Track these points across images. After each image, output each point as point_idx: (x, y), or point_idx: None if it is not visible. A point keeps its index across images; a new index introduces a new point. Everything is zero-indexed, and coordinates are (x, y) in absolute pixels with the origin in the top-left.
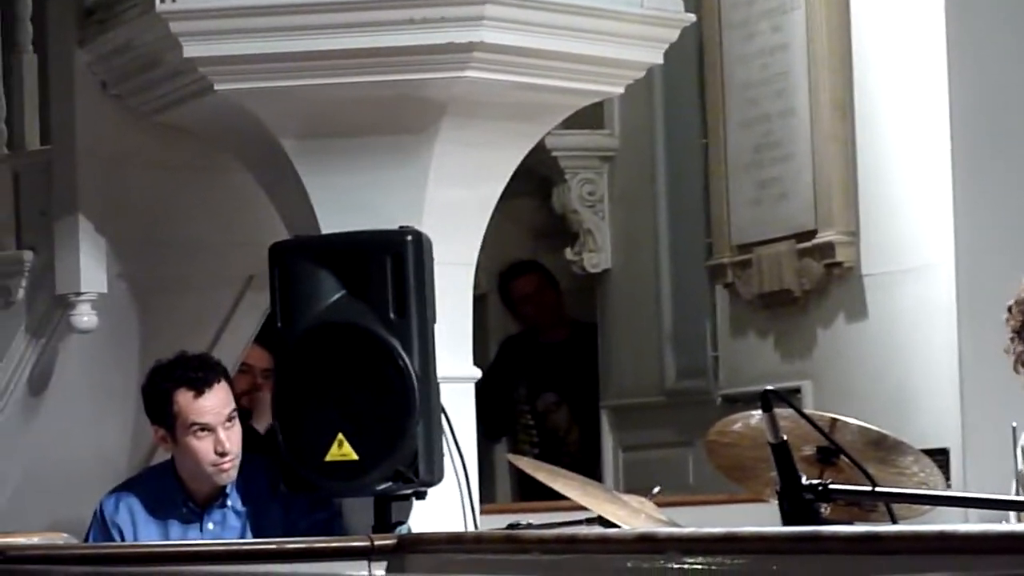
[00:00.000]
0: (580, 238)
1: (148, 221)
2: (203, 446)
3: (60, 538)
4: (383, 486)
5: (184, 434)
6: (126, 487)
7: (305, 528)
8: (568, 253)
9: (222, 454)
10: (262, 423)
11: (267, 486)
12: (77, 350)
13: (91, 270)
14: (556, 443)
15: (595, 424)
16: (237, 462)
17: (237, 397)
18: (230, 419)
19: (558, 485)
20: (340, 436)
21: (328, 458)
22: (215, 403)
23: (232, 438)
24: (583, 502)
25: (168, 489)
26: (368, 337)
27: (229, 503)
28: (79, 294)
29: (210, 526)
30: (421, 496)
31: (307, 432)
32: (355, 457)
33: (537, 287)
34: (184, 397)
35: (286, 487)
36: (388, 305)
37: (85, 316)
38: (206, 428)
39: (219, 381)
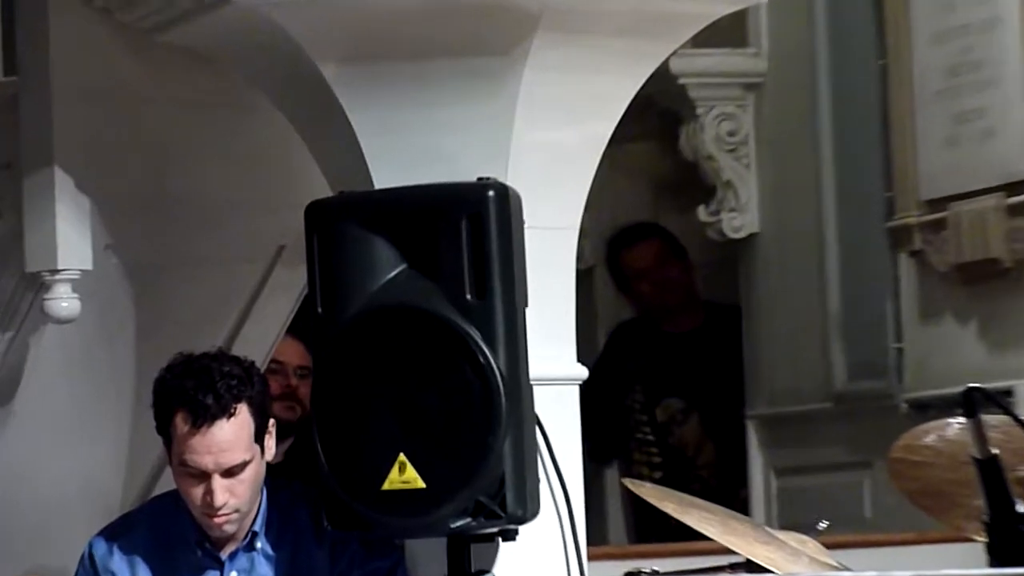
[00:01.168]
0: (717, 193)
1: (147, 177)
2: (191, 490)
3: None
4: (459, 523)
5: (175, 466)
6: (123, 524)
7: None
8: (701, 213)
9: (212, 506)
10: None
11: (311, 524)
12: (54, 346)
13: (71, 241)
14: (683, 464)
15: (736, 439)
16: (240, 516)
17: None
18: (240, 467)
19: (691, 520)
20: (401, 457)
21: (386, 486)
22: (215, 444)
23: (236, 490)
24: (724, 542)
25: (178, 526)
26: (437, 326)
27: (259, 545)
28: (55, 272)
29: None
30: (510, 537)
31: (358, 452)
32: (422, 485)
33: (658, 258)
34: (181, 424)
35: (331, 525)
36: (464, 283)
37: (64, 301)
38: (196, 472)
39: (230, 415)
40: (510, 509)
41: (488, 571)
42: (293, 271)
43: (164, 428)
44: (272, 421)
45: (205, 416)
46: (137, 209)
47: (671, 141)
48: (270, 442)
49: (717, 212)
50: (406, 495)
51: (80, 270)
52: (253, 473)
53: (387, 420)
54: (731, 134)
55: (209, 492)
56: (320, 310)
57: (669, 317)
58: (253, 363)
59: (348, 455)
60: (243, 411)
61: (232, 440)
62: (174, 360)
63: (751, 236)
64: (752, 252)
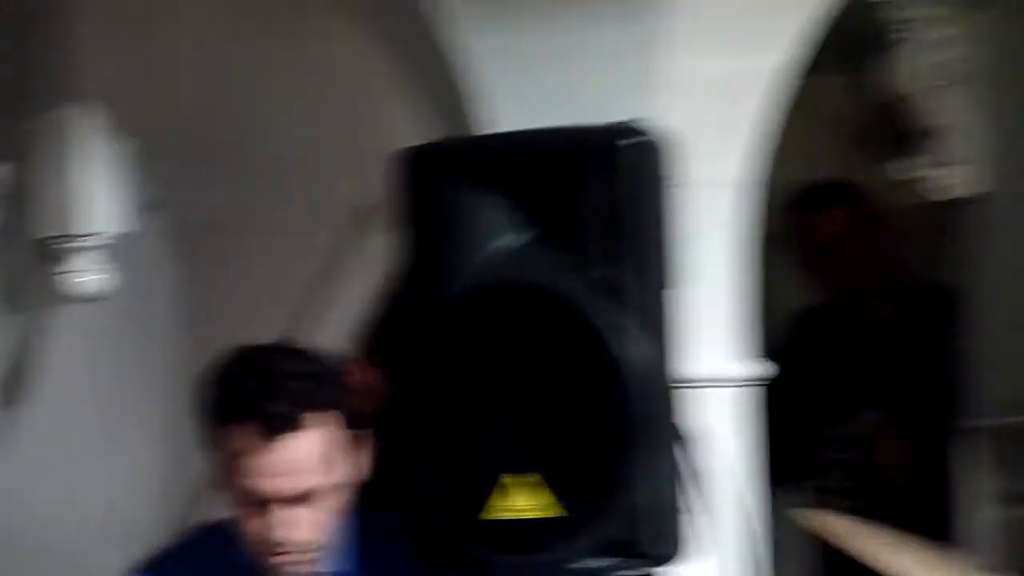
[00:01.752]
0: (925, 143)
1: (196, 121)
2: (250, 522)
3: None
4: (585, 564)
5: (230, 490)
6: (164, 561)
7: None
8: (904, 168)
9: (276, 543)
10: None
11: (407, 561)
12: (75, 331)
13: (98, 199)
14: (885, 488)
15: (951, 457)
16: (312, 556)
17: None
18: (313, 494)
19: (898, 563)
20: (513, 477)
21: (488, 514)
22: (281, 466)
23: (307, 522)
24: None
25: (232, 565)
26: (562, 309)
27: None
28: (78, 238)
29: None
30: None
31: (457, 469)
32: (540, 513)
33: (852, 227)
34: (238, 438)
35: (419, 560)
36: (597, 255)
37: (87, 275)
38: (257, 500)
39: (302, 428)
40: (650, 549)
41: None
42: (376, 238)
43: (215, 441)
44: (363, 433)
45: (269, 429)
46: (183, 161)
47: (865, 77)
48: (359, 459)
49: (926, 167)
50: (518, 526)
51: (109, 236)
52: (332, 501)
53: (496, 430)
54: (944, 66)
55: (272, 525)
56: (412, 288)
57: (866, 301)
58: (338, 358)
59: (445, 472)
60: (320, 422)
61: (304, 460)
62: (230, 354)
63: (971, 197)
64: (971, 218)
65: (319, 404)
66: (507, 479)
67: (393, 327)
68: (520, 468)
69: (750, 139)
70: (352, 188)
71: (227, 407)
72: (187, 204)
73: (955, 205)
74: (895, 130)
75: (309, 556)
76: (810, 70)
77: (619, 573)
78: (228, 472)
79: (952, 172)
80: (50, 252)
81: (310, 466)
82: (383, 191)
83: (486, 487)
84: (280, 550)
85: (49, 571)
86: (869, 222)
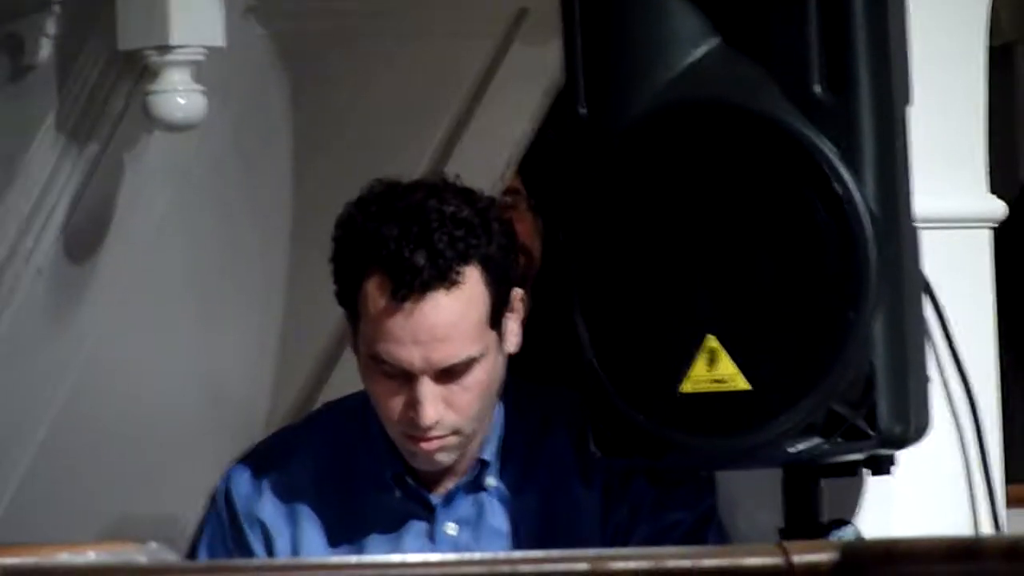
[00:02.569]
0: None
1: None
2: (387, 400)
3: (131, 551)
4: (804, 445)
5: (364, 358)
6: (276, 448)
7: (646, 540)
8: None
9: (419, 425)
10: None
11: (573, 452)
12: (162, 166)
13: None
14: None
15: None
16: (461, 441)
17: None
18: (464, 366)
19: None
20: (712, 340)
21: (687, 388)
22: (427, 329)
23: (457, 401)
24: None
25: (365, 451)
26: (770, 134)
27: (491, 482)
28: (166, 50)
29: (450, 530)
30: (883, 468)
31: (643, 334)
32: (745, 385)
33: None
34: (376, 293)
35: (599, 450)
36: (811, 68)
37: (180, 96)
38: (396, 372)
39: (453, 284)
40: (883, 425)
41: (849, 523)
42: (541, 49)
43: (349, 297)
44: (520, 293)
45: (413, 284)
46: None
47: None
48: (514, 325)
49: None
50: (719, 401)
51: (205, 47)
52: (485, 375)
53: (689, 282)
54: None
55: (415, 403)
56: (584, 110)
57: None
58: (493, 200)
59: (628, 338)
60: (474, 278)
61: (454, 323)
62: (370, 189)
63: None
64: None
65: (473, 257)
66: (711, 343)
67: (561, 158)
68: (725, 330)
69: None
70: None
71: (362, 256)
72: (302, 6)
73: None
74: None
75: (456, 443)
76: None
77: (846, 457)
78: (363, 335)
79: None
80: (136, 67)
81: (461, 332)
82: None
83: (683, 355)
84: (420, 434)
85: (133, 458)
86: None
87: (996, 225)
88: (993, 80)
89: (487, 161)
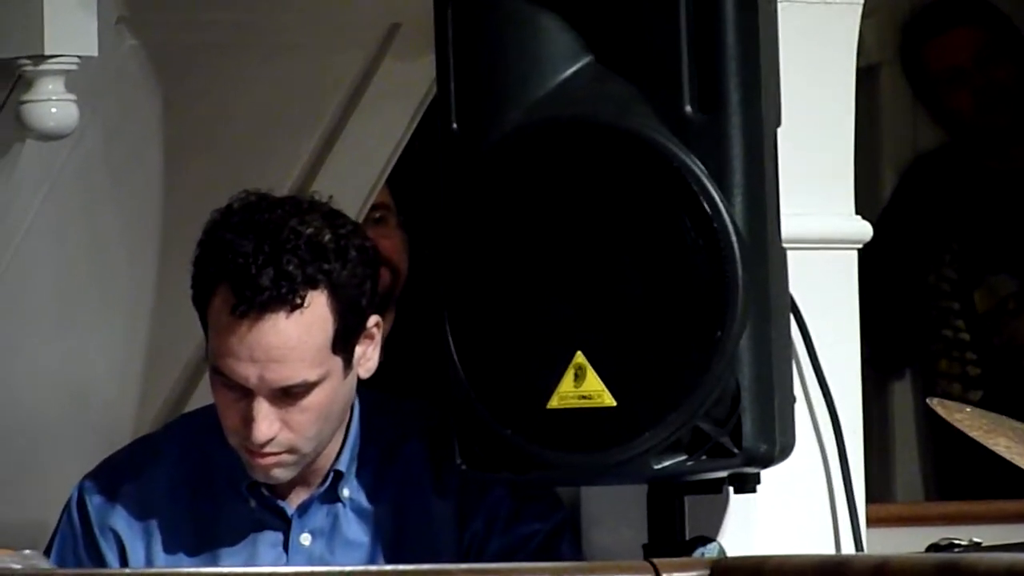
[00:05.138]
0: None
1: None
2: (226, 410)
3: (5, 558)
4: (668, 462)
5: (209, 369)
6: (134, 457)
7: (502, 550)
8: None
9: (252, 439)
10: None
11: (428, 463)
12: (36, 174)
13: (66, 12)
14: (1016, 378)
15: None
16: (297, 458)
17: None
18: (301, 389)
19: None
20: (579, 357)
21: (554, 403)
22: (264, 349)
23: (293, 421)
24: None
25: (221, 460)
26: (640, 153)
27: (345, 493)
28: (40, 60)
29: (304, 540)
30: (747, 486)
31: (510, 348)
32: (611, 401)
33: (981, 53)
34: (221, 306)
35: (465, 463)
36: (682, 88)
37: (54, 105)
38: (235, 385)
39: (294, 307)
40: (748, 443)
41: (712, 540)
42: (412, 64)
43: (201, 305)
44: (376, 320)
45: (254, 302)
46: None
47: None
48: (369, 351)
49: None
50: (585, 417)
51: (77, 56)
52: (324, 399)
53: (557, 299)
54: None
55: (249, 419)
56: (455, 125)
57: (997, 146)
58: (358, 227)
59: (495, 353)
60: (319, 303)
61: (292, 347)
62: (238, 200)
63: None
64: None
65: (323, 283)
66: (579, 359)
67: (431, 173)
68: (592, 346)
69: None
70: (381, 1)
71: (214, 266)
72: (173, 17)
73: None
74: None
75: (292, 460)
76: None
77: (711, 475)
78: (211, 345)
79: None
80: (12, 76)
81: (299, 356)
82: (422, 6)
83: (550, 370)
84: (255, 449)
85: (13, 461)
86: (1003, 48)
87: (862, 246)
88: (858, 102)
89: (357, 175)
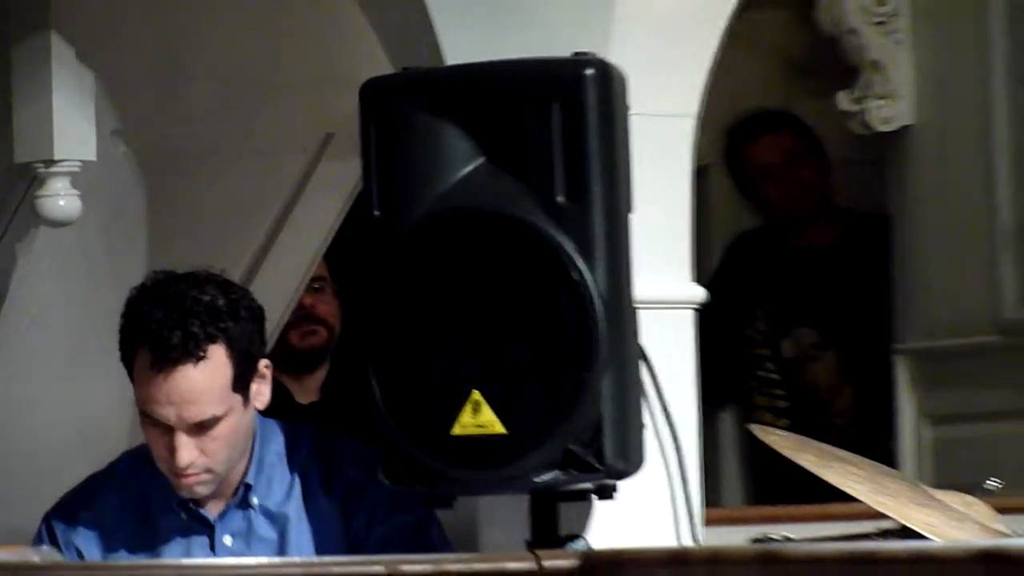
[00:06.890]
0: (861, 76)
1: (162, 48)
2: (155, 444)
3: (25, 552)
4: (546, 477)
5: (138, 412)
6: (85, 489)
7: (384, 538)
8: (842, 100)
9: (176, 466)
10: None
11: (316, 469)
12: (47, 253)
13: (70, 124)
14: (815, 410)
15: (881, 380)
16: (214, 477)
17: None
18: (211, 422)
19: (833, 476)
20: (476, 395)
21: (457, 431)
22: (178, 394)
23: (207, 448)
24: (874, 504)
25: (157, 483)
26: (522, 234)
27: (254, 500)
28: (51, 163)
29: (227, 541)
30: (607, 495)
31: (422, 388)
32: (501, 430)
33: (789, 154)
34: (142, 363)
35: (388, 479)
36: (554, 182)
37: (61, 199)
38: (159, 423)
39: (198, 359)
40: (608, 460)
41: (580, 536)
42: (343, 165)
43: (127, 362)
44: (265, 363)
45: (166, 358)
46: (151, 87)
47: (806, 11)
48: (262, 387)
49: (862, 99)
50: (481, 442)
51: (80, 161)
52: (230, 428)
53: (459, 349)
54: (881, 3)
55: (173, 450)
56: (377, 212)
57: (801, 227)
58: (246, 292)
59: (410, 392)
60: (219, 354)
61: (200, 390)
62: (152, 278)
63: (903, 129)
64: (904, 149)
65: (217, 337)
66: (476, 396)
67: (358, 252)
68: (486, 386)
69: (697, 72)
70: (320, 114)
71: (132, 332)
72: (153, 130)
73: (888, 137)
74: (837, 64)
75: (209, 479)
76: (758, 6)
77: (580, 486)
78: (136, 394)
79: (887, 106)
80: (28, 176)
81: (207, 396)
82: (351, 118)
83: (453, 405)
84: (180, 472)
85: (24, 483)
86: (806, 150)
87: (698, 307)
88: (693, 196)
89: (300, 254)
